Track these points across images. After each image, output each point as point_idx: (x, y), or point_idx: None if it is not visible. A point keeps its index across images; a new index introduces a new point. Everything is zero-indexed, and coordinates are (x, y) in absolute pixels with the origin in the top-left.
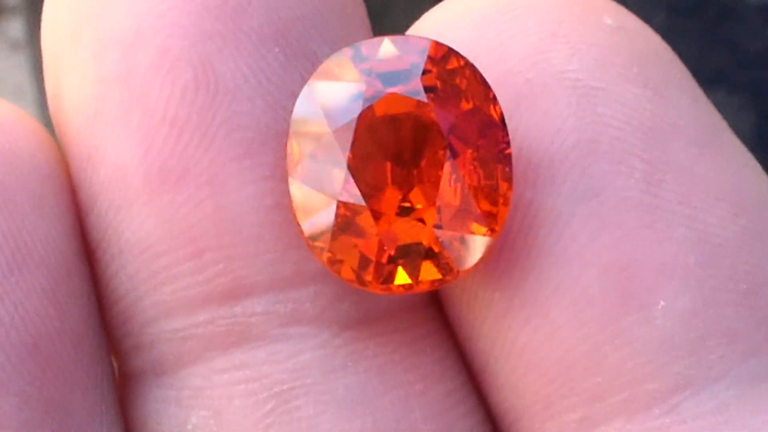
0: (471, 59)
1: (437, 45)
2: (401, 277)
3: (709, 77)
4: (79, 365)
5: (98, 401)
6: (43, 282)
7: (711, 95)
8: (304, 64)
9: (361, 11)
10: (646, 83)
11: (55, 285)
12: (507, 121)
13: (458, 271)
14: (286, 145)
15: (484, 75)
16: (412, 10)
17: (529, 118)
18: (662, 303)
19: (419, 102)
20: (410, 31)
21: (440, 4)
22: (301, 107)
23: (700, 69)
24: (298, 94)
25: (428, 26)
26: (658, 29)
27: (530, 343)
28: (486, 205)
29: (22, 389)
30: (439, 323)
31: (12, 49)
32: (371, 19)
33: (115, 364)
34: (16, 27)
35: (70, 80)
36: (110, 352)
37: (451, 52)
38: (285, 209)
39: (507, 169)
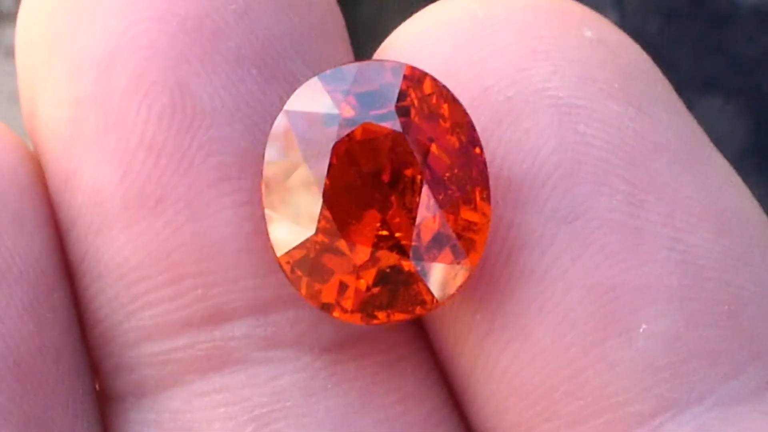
0: (449, 76)
1: (412, 69)
2: (380, 306)
3: (705, 83)
4: (60, 381)
5: (79, 418)
6: (22, 297)
7: (707, 101)
8: (283, 86)
9: (341, 30)
10: (628, 100)
11: (35, 300)
12: (487, 140)
13: (437, 301)
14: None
15: (464, 92)
16: (405, 15)
17: (510, 136)
18: (644, 326)
19: (394, 127)
20: (385, 44)
21: (415, 16)
22: (275, 134)
23: (695, 75)
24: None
25: (404, 40)
26: (654, 36)
27: (511, 366)
28: (465, 231)
29: (2, 406)
30: (420, 344)
31: (6, 56)
32: (365, 23)
33: (97, 384)
34: (10, 34)
35: (45, 100)
36: (92, 371)
37: (425, 76)
38: (263, 234)
39: (485, 192)
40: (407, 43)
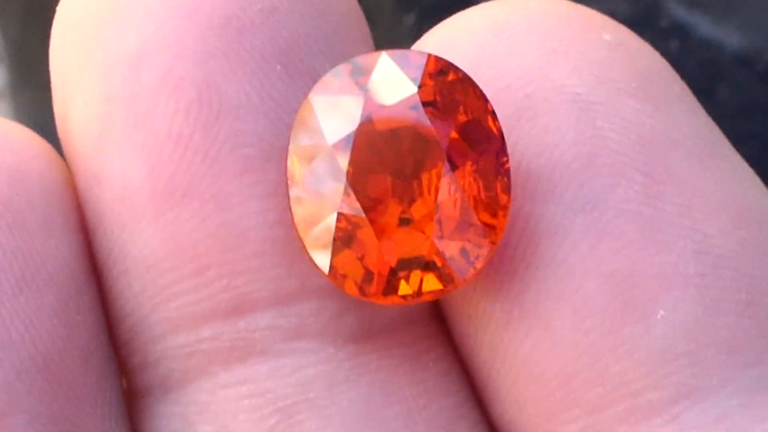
0: (471, 75)
1: (435, 59)
2: (403, 288)
3: None
4: (88, 382)
5: (107, 417)
6: (52, 300)
7: None
8: (307, 82)
9: (364, 29)
10: (645, 98)
11: (64, 303)
12: (506, 135)
13: (459, 281)
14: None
15: (484, 91)
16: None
17: (529, 131)
18: (662, 313)
19: (417, 115)
20: (413, 49)
21: (441, 24)
22: (300, 121)
23: None
24: None
25: (430, 45)
26: None
27: (531, 354)
28: (485, 217)
29: (32, 407)
30: (442, 337)
31: None
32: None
33: (123, 381)
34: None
35: (77, 101)
36: (119, 369)
37: (449, 66)
38: (288, 225)
39: (506, 180)
40: (432, 48)
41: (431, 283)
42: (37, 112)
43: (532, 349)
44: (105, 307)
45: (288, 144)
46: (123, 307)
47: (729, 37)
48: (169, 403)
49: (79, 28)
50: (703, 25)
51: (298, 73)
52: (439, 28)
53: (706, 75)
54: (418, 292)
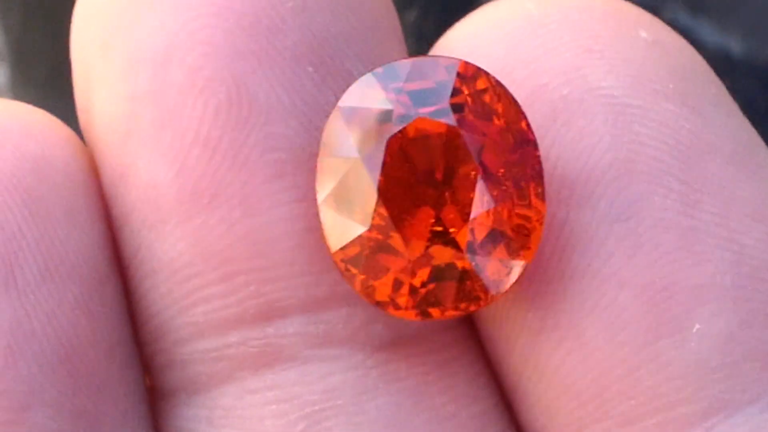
0: (504, 74)
1: (466, 64)
2: (435, 302)
3: None
4: (111, 376)
5: (129, 412)
6: (75, 292)
7: None
8: (339, 84)
9: (396, 29)
10: (683, 100)
11: (87, 295)
12: (541, 138)
13: (493, 296)
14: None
15: (518, 90)
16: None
17: (564, 135)
18: (697, 326)
19: (449, 123)
20: (439, 43)
21: (469, 16)
22: (330, 130)
23: None
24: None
25: (458, 39)
26: None
27: (563, 364)
28: (520, 225)
29: (54, 399)
30: (472, 344)
31: None
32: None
33: (147, 380)
34: (0, 74)
35: (101, 96)
36: (142, 365)
37: (480, 72)
38: (317, 231)
39: (540, 188)
40: (461, 43)
41: (463, 296)
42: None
43: (564, 359)
44: (131, 305)
45: (318, 150)
46: (148, 307)
47: (730, 41)
48: (195, 406)
49: (103, 19)
50: (705, 30)
51: (330, 74)
52: (467, 22)
53: None
54: (451, 307)
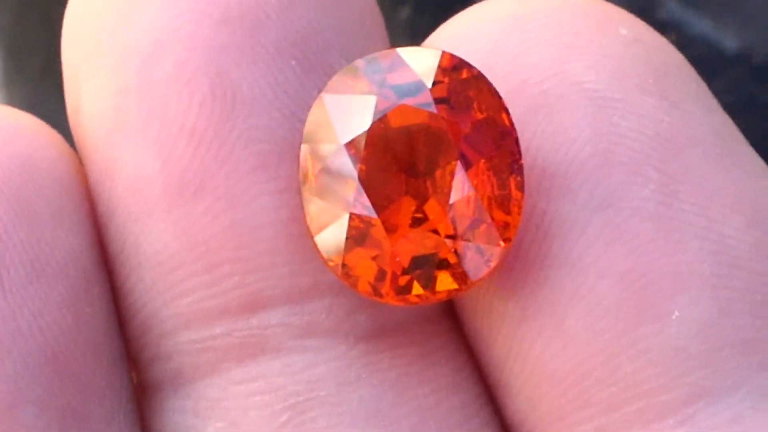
0: (487, 70)
1: (449, 56)
2: (417, 288)
3: None
4: (98, 374)
5: (116, 410)
6: (61, 291)
7: None
8: (321, 78)
9: (380, 28)
10: (662, 95)
11: (73, 294)
12: (522, 131)
13: (473, 281)
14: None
15: (500, 86)
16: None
17: (545, 128)
18: (677, 313)
19: (431, 113)
20: (428, 41)
21: (456, 16)
22: (313, 119)
23: None
24: None
25: (444, 37)
26: None
27: (544, 353)
28: (499, 215)
29: (40, 398)
30: (454, 335)
31: None
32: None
33: (134, 375)
34: None
35: (90, 92)
36: (129, 363)
37: (462, 63)
38: (301, 222)
39: (519, 178)
40: (449, 39)
41: (445, 282)
42: (32, 103)
43: (545, 347)
44: (116, 301)
45: (301, 141)
46: (135, 301)
47: (725, 34)
48: (180, 398)
49: (92, 18)
50: (700, 22)
51: (313, 68)
52: (455, 20)
53: (702, 72)
54: (432, 292)
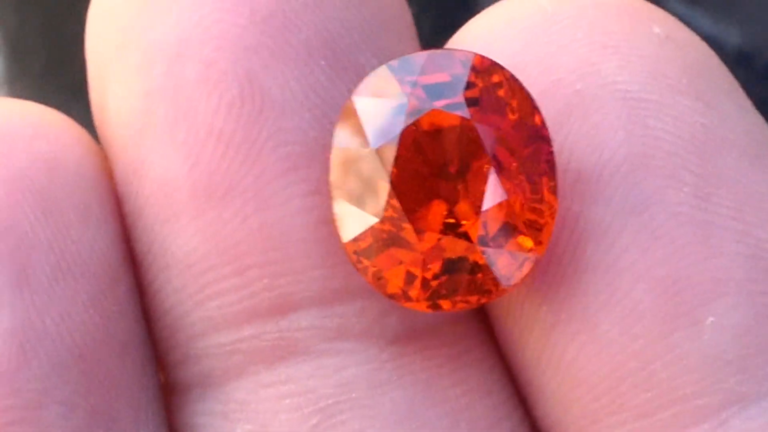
0: (518, 70)
1: (481, 58)
2: (446, 295)
3: None
4: (125, 374)
5: (143, 410)
6: (88, 290)
7: None
8: (352, 78)
9: (409, 25)
10: (696, 95)
11: (100, 293)
12: (555, 133)
13: (504, 288)
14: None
15: (532, 86)
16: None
17: (578, 129)
18: (712, 319)
19: (463, 116)
20: (454, 39)
21: (484, 12)
22: (343, 122)
23: None
24: None
25: (473, 34)
26: None
27: (578, 357)
28: (532, 219)
29: (68, 398)
30: (485, 337)
31: None
32: None
33: (161, 376)
34: None
35: (116, 92)
36: (156, 363)
37: (494, 65)
38: (331, 224)
39: (552, 182)
40: (477, 39)
41: (475, 288)
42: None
43: (578, 352)
44: (144, 301)
45: (331, 143)
46: (162, 302)
47: (728, 34)
48: (209, 400)
49: (117, 15)
50: (703, 22)
51: (343, 68)
52: (483, 17)
53: None
54: (462, 299)
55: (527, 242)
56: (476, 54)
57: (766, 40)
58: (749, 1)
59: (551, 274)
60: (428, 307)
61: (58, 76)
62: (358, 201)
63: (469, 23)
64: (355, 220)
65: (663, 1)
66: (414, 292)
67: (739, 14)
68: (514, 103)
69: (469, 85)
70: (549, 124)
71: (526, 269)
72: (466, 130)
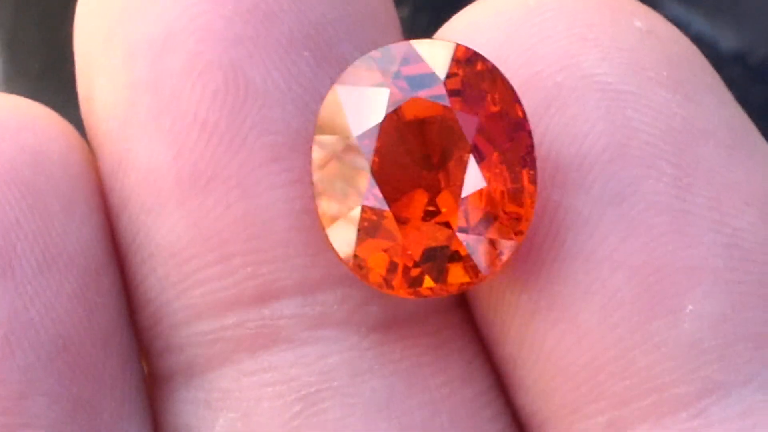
0: (500, 62)
1: (463, 48)
2: (428, 281)
3: None
4: (108, 365)
5: (127, 401)
6: (72, 282)
7: None
8: (335, 69)
9: (393, 19)
10: (676, 87)
11: (84, 285)
12: (535, 124)
13: (485, 274)
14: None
15: (513, 77)
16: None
17: (558, 120)
18: (690, 307)
19: (444, 105)
20: (440, 33)
21: (470, 6)
22: (326, 111)
23: None
24: None
25: (457, 28)
26: None
27: (557, 346)
28: (511, 208)
29: (51, 389)
30: (467, 326)
31: None
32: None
33: (144, 366)
34: None
35: (102, 84)
36: (140, 354)
37: (476, 56)
38: (313, 213)
39: (532, 171)
40: (461, 31)
41: (456, 275)
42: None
43: (558, 341)
44: (128, 292)
45: (314, 133)
46: (146, 292)
47: (723, 33)
48: (192, 389)
49: (104, 10)
50: (698, 21)
51: (326, 60)
52: (467, 12)
53: None
54: (443, 285)
55: (507, 231)
56: (458, 44)
57: (762, 40)
58: (744, 3)
59: (531, 262)
60: (410, 294)
61: (56, 76)
62: (340, 189)
63: (454, 17)
64: (337, 209)
65: (658, 1)
66: (396, 279)
67: (733, 13)
68: (496, 94)
69: (451, 75)
70: (529, 114)
71: (505, 257)
72: (447, 119)
